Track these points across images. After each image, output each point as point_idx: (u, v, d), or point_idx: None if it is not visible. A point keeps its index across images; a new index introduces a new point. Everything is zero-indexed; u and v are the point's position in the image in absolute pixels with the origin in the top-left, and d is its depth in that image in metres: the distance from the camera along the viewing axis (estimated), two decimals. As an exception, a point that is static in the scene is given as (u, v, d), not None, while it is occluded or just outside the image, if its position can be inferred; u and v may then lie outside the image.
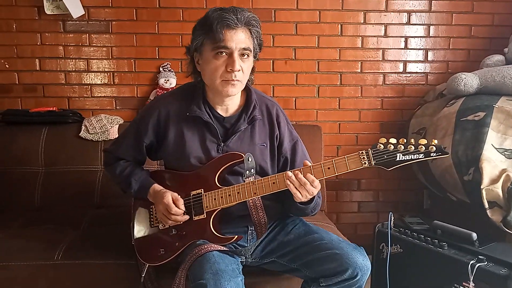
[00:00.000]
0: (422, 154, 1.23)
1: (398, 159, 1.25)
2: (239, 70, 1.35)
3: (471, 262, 1.51)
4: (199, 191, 1.42)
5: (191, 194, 1.43)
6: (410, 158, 1.24)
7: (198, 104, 1.44)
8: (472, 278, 1.49)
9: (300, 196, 1.31)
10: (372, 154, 1.27)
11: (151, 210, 1.52)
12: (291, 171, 1.32)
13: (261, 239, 1.46)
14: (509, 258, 1.49)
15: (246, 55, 1.36)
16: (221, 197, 1.39)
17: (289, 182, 1.31)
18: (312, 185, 1.30)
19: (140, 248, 1.52)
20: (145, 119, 1.49)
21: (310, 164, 1.34)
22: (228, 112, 1.47)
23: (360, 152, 1.28)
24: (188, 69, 1.47)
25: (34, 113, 2.21)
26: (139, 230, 1.55)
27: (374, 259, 1.89)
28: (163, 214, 1.41)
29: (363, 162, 1.27)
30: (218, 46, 1.32)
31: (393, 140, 1.26)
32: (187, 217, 1.41)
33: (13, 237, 1.74)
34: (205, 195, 1.41)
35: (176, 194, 1.41)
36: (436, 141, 1.23)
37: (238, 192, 1.37)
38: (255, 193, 1.37)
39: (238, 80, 1.37)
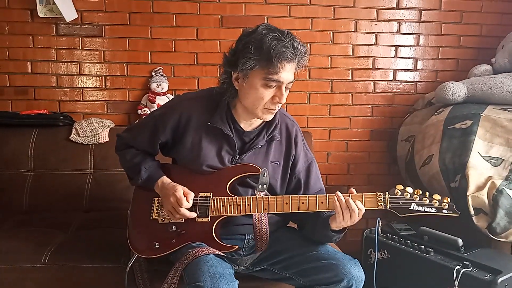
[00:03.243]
0: (435, 209, 1.30)
1: (411, 208, 1.31)
2: (283, 102, 1.37)
3: (457, 267, 1.53)
4: (208, 194, 1.42)
5: (199, 196, 1.43)
6: (423, 210, 1.31)
7: (221, 115, 1.43)
8: (457, 283, 1.51)
9: (342, 219, 1.31)
10: (389, 198, 1.32)
11: (152, 202, 1.51)
12: (341, 195, 1.32)
13: (258, 253, 1.45)
14: (494, 264, 1.52)
15: (290, 86, 1.38)
16: (230, 205, 1.39)
17: (338, 204, 1.31)
18: (359, 213, 1.31)
19: (133, 237, 1.51)
20: (166, 117, 1.48)
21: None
22: (250, 127, 1.48)
23: (378, 193, 1.33)
24: (220, 79, 1.44)
25: (25, 115, 2.21)
26: (136, 219, 1.53)
27: (362, 264, 1.89)
28: (172, 208, 1.40)
29: (379, 204, 1.32)
30: (271, 78, 1.31)
31: (409, 189, 1.33)
32: (194, 214, 1.40)
33: (1, 240, 1.71)
34: (213, 200, 1.41)
35: (186, 189, 1.41)
36: (449, 199, 1.30)
37: (248, 204, 1.38)
38: (265, 209, 1.38)
39: (278, 109, 1.40)
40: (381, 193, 1.32)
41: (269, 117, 1.41)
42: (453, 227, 1.83)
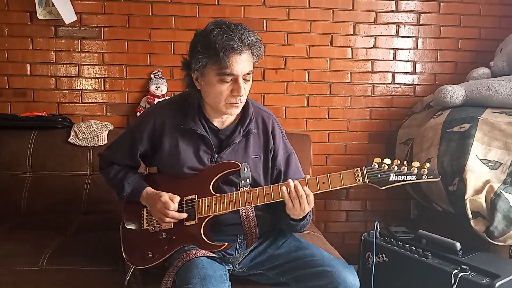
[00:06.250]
0: (415, 176, 1.27)
1: (391, 179, 1.28)
2: (243, 94, 1.37)
3: (454, 271, 1.53)
4: (192, 196, 1.43)
5: (185, 199, 1.43)
6: (402, 179, 1.28)
7: (193, 117, 1.45)
8: (455, 287, 1.51)
9: (291, 206, 1.32)
10: (367, 172, 1.30)
11: (142, 212, 1.52)
12: (292, 181, 1.33)
13: (250, 249, 1.47)
14: (492, 268, 1.52)
15: (248, 78, 1.37)
16: (215, 204, 1.39)
17: (284, 189, 1.32)
18: (307, 199, 1.31)
19: (127, 250, 1.52)
20: (141, 127, 1.50)
21: (296, 180, 1.34)
22: (224, 124, 1.49)
23: (355, 169, 1.31)
24: (184, 83, 1.46)
25: (23, 117, 2.20)
26: (128, 232, 1.55)
27: (360, 267, 1.90)
28: (160, 213, 1.41)
29: (357, 179, 1.30)
30: (224, 73, 1.31)
31: (387, 160, 1.30)
32: (185, 215, 1.41)
33: (-2, 242, 1.72)
34: (199, 201, 1.41)
35: (171, 194, 1.42)
36: (428, 164, 1.27)
37: (231, 200, 1.38)
38: (248, 203, 1.38)
39: (242, 102, 1.40)
40: (358, 168, 1.30)
41: (234, 111, 1.41)
42: (451, 230, 1.83)
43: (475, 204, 1.70)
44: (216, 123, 1.47)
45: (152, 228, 1.48)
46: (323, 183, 1.32)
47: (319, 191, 1.33)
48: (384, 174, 1.29)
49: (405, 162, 1.29)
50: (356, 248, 2.02)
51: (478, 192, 1.73)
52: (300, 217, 1.38)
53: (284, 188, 1.32)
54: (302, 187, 1.31)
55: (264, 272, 1.46)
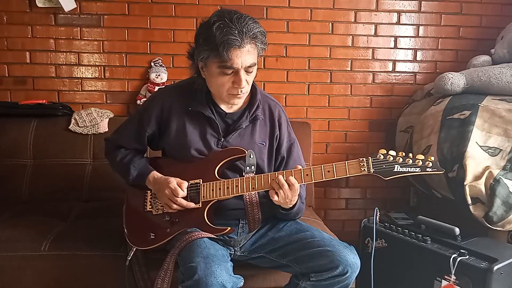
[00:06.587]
0: (419, 168, 1.31)
1: (395, 170, 1.31)
2: (245, 86, 1.37)
3: (453, 256, 1.54)
4: (197, 180, 1.44)
5: (189, 183, 1.44)
6: (407, 170, 1.31)
7: (201, 100, 1.46)
8: (453, 271, 1.52)
9: (277, 199, 1.34)
10: (372, 162, 1.32)
11: (145, 195, 1.53)
12: (276, 173, 1.35)
13: (252, 233, 1.48)
14: (490, 252, 1.53)
15: (251, 70, 1.37)
16: (219, 188, 1.41)
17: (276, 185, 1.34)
18: (290, 188, 1.32)
19: (130, 231, 1.54)
20: (149, 109, 1.51)
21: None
22: (232, 108, 1.50)
23: (361, 159, 1.33)
24: (191, 71, 1.47)
25: (24, 105, 2.21)
26: (131, 213, 1.56)
27: (360, 253, 1.90)
28: (168, 199, 1.42)
29: (362, 169, 1.33)
30: (225, 66, 1.32)
31: (392, 152, 1.33)
32: (192, 204, 1.42)
33: (1, 229, 1.72)
34: (203, 185, 1.43)
35: (179, 179, 1.43)
36: (432, 158, 1.31)
37: (236, 186, 1.40)
38: (253, 188, 1.39)
39: (244, 93, 1.40)
40: (364, 158, 1.33)
41: (237, 101, 1.43)
42: (450, 217, 1.84)
43: (475, 190, 1.71)
44: (224, 107, 1.49)
45: (155, 211, 1.50)
46: (328, 171, 1.34)
47: (324, 179, 1.35)
48: (389, 165, 1.32)
49: (410, 155, 1.32)
50: (355, 235, 2.03)
51: (477, 178, 1.73)
52: (290, 206, 1.40)
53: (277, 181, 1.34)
54: (287, 178, 1.33)
55: (265, 255, 1.48)
